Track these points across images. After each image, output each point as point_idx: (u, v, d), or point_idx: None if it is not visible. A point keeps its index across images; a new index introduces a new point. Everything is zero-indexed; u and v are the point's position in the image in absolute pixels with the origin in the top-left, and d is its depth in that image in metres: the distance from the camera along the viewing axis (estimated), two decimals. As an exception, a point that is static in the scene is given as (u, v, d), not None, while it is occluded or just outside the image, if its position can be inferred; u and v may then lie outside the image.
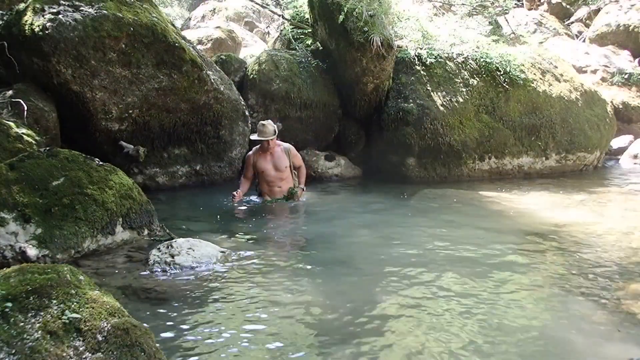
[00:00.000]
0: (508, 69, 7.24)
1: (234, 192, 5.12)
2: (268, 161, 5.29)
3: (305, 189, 5.53)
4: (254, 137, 5.32)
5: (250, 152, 5.43)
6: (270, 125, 5.21)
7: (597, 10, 12.38)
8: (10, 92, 4.77)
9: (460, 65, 7.21)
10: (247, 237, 4.20)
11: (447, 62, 7.20)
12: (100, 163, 3.77)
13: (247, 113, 6.55)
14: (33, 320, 1.74)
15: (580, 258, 3.72)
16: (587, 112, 7.92)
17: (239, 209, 5.18)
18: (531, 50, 8.26)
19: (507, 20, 11.69)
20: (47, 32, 4.81)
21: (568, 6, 13.53)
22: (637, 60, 11.10)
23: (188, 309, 2.77)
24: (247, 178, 5.41)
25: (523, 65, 7.56)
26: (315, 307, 2.86)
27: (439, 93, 6.92)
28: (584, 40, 12.10)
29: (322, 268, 3.54)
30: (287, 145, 5.48)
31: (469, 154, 6.93)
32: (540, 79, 7.64)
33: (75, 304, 1.85)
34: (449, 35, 7.74)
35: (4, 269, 2.02)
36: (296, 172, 5.54)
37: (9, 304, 1.77)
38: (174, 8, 18.86)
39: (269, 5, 11.88)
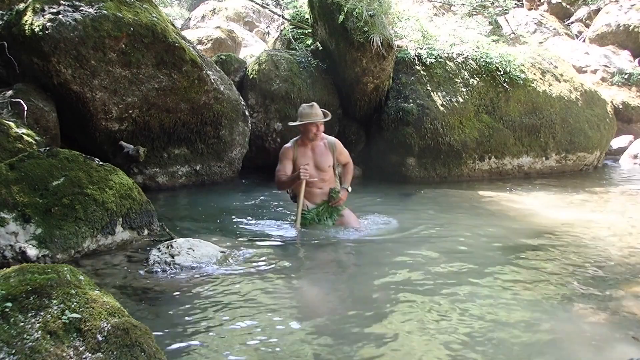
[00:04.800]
0: (508, 69, 7.24)
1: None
2: (309, 157, 4.35)
3: (350, 189, 4.55)
4: (295, 123, 4.31)
5: (289, 145, 4.40)
6: (318, 108, 4.27)
7: (597, 10, 12.38)
8: (10, 92, 4.78)
9: (460, 65, 7.21)
10: (247, 237, 4.20)
11: (447, 62, 7.20)
12: (100, 163, 3.77)
13: (247, 113, 6.55)
14: (33, 320, 1.74)
15: (580, 258, 3.72)
16: (587, 112, 7.92)
17: (239, 209, 5.16)
18: (531, 50, 8.26)
19: (507, 20, 11.69)
20: (47, 32, 4.82)
21: (568, 6, 13.53)
22: (637, 60, 11.10)
23: (188, 309, 2.77)
24: (288, 175, 4.37)
25: (523, 65, 7.56)
26: (315, 308, 2.87)
27: (439, 93, 6.92)
28: (584, 40, 12.09)
29: (321, 269, 3.54)
30: (332, 139, 4.53)
31: (469, 154, 6.93)
32: (540, 79, 7.64)
33: (75, 304, 1.85)
34: (449, 35, 7.74)
35: (4, 269, 2.02)
36: (340, 170, 4.63)
37: (9, 304, 1.76)
38: (174, 8, 18.87)
39: (269, 5, 11.91)
